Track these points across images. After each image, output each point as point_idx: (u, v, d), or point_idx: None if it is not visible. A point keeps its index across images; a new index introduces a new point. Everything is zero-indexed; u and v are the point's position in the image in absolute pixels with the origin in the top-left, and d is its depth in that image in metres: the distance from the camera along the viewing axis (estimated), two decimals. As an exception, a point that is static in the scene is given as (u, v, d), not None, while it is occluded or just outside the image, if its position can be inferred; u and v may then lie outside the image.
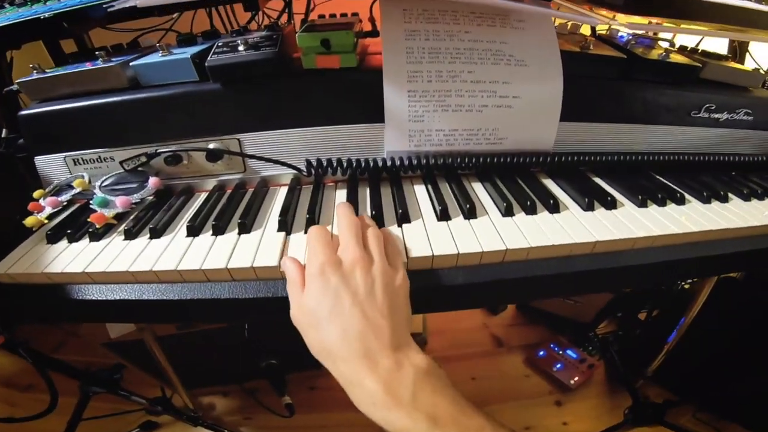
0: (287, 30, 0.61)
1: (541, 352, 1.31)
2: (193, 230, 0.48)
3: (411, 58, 0.52)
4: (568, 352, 1.30)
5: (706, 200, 0.55)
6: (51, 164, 0.57)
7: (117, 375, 0.94)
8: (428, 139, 0.54)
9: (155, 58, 0.56)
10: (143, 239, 0.47)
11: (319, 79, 0.55)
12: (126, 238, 0.48)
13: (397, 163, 0.55)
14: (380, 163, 0.56)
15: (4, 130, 0.61)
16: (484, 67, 0.53)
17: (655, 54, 0.64)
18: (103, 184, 0.53)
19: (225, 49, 0.54)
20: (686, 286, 1.13)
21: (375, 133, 0.56)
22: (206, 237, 0.47)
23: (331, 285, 0.36)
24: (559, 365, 1.27)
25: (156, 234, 0.48)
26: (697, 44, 0.85)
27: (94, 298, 0.43)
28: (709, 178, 0.61)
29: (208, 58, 0.53)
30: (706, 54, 0.70)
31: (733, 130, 0.65)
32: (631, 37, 0.69)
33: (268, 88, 0.54)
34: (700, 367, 1.08)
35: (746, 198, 0.56)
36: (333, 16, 0.65)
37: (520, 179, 0.56)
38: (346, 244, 0.40)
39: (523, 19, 0.54)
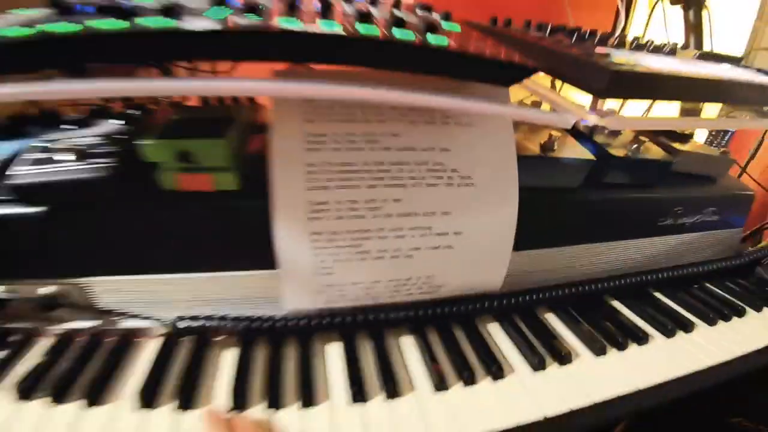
0: (158, 116, 0.43)
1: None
2: (25, 393, 0.35)
3: (314, 181, 0.35)
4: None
5: (670, 333, 0.47)
6: None
7: None
8: (341, 294, 0.39)
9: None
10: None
11: (185, 206, 0.37)
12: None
13: (302, 322, 0.40)
14: (280, 323, 0.40)
15: None
16: (416, 192, 0.38)
17: (622, 143, 0.53)
18: None
19: (39, 157, 0.36)
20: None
21: (271, 283, 0.40)
22: (38, 405, 0.34)
23: None
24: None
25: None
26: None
27: None
28: (672, 299, 0.53)
29: (8, 172, 0.35)
30: (670, 135, 0.61)
31: (700, 234, 0.57)
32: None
33: (112, 215, 0.37)
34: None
35: (712, 322, 0.50)
36: (220, 101, 0.46)
37: (461, 330, 0.43)
38: None
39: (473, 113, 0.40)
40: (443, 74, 0.31)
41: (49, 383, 0.36)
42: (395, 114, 0.38)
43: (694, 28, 0.89)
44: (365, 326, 0.42)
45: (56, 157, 0.36)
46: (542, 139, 0.45)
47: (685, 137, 0.61)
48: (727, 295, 0.55)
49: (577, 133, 0.53)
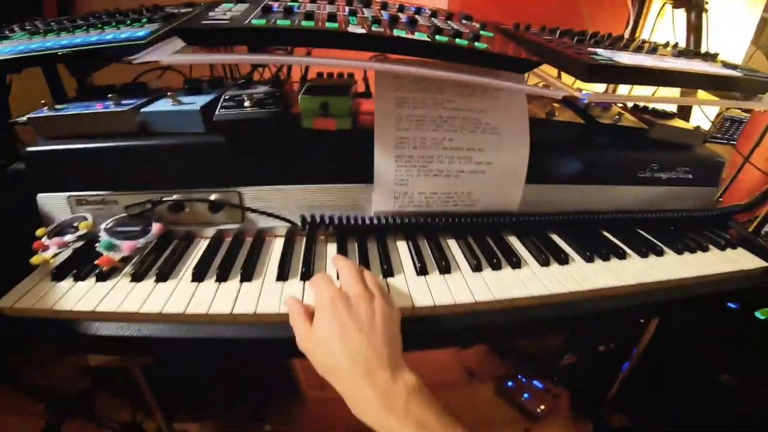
0: (288, 85, 0.66)
1: (510, 383, 1.40)
2: (199, 276, 0.52)
3: (400, 125, 0.58)
4: (535, 382, 1.39)
5: (644, 254, 0.64)
6: (53, 202, 0.59)
7: (92, 401, 0.93)
8: (411, 200, 0.61)
9: (166, 106, 0.59)
10: (149, 282, 0.52)
11: (315, 140, 0.60)
12: (132, 280, 0.52)
13: (383, 221, 0.62)
14: (368, 222, 0.62)
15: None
16: (463, 135, 0.60)
17: (610, 116, 0.72)
18: (108, 227, 0.56)
19: (231, 103, 0.58)
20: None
21: (363, 193, 0.62)
22: (210, 283, 0.52)
23: (340, 316, 0.42)
24: (526, 395, 1.35)
25: (162, 278, 0.52)
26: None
27: (102, 333, 0.47)
28: (651, 234, 0.70)
29: (216, 113, 0.57)
30: (655, 113, 0.79)
31: (674, 188, 0.74)
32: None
33: (269, 145, 0.59)
34: (656, 393, 1.17)
35: (679, 252, 0.66)
36: (330, 75, 0.70)
37: (489, 238, 0.64)
38: (349, 282, 0.46)
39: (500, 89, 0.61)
40: (484, 65, 0.52)
41: (214, 268, 0.53)
42: (451, 87, 0.60)
43: (694, 29, 1.05)
44: (423, 228, 0.63)
45: (245, 103, 0.58)
46: (547, 109, 0.66)
47: (669, 115, 0.79)
48: (696, 236, 0.70)
49: (575, 107, 0.73)
